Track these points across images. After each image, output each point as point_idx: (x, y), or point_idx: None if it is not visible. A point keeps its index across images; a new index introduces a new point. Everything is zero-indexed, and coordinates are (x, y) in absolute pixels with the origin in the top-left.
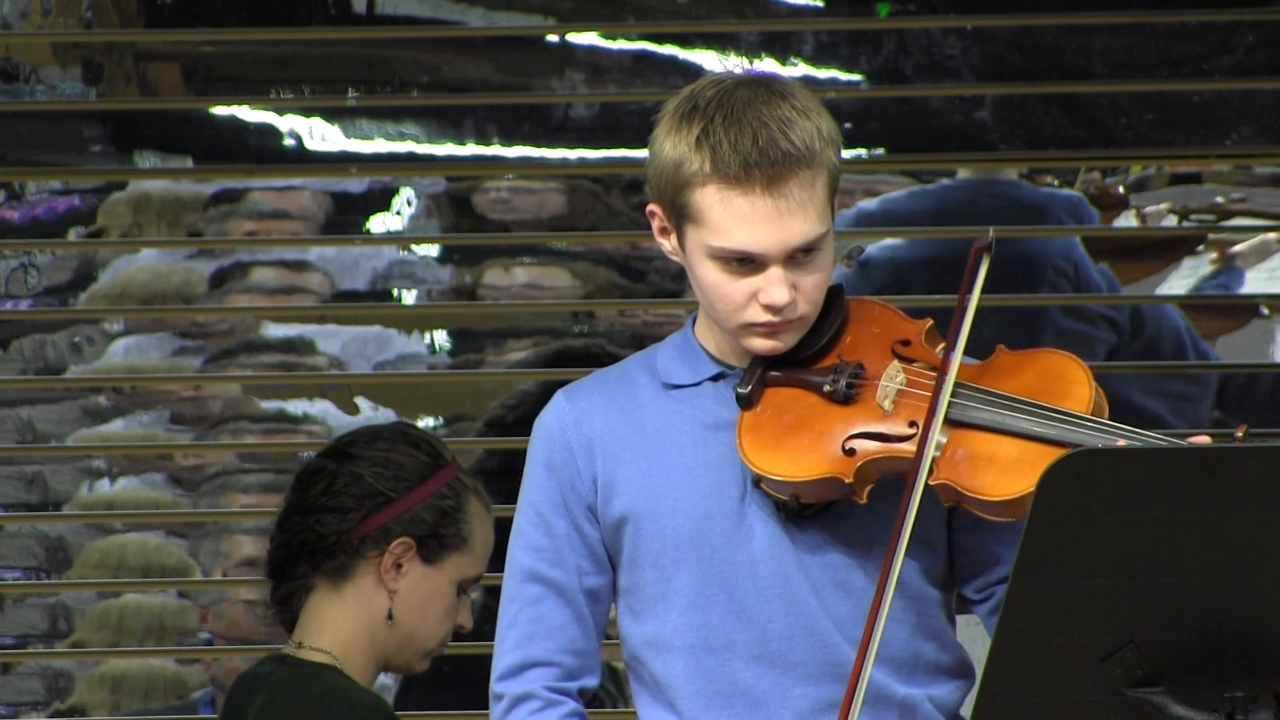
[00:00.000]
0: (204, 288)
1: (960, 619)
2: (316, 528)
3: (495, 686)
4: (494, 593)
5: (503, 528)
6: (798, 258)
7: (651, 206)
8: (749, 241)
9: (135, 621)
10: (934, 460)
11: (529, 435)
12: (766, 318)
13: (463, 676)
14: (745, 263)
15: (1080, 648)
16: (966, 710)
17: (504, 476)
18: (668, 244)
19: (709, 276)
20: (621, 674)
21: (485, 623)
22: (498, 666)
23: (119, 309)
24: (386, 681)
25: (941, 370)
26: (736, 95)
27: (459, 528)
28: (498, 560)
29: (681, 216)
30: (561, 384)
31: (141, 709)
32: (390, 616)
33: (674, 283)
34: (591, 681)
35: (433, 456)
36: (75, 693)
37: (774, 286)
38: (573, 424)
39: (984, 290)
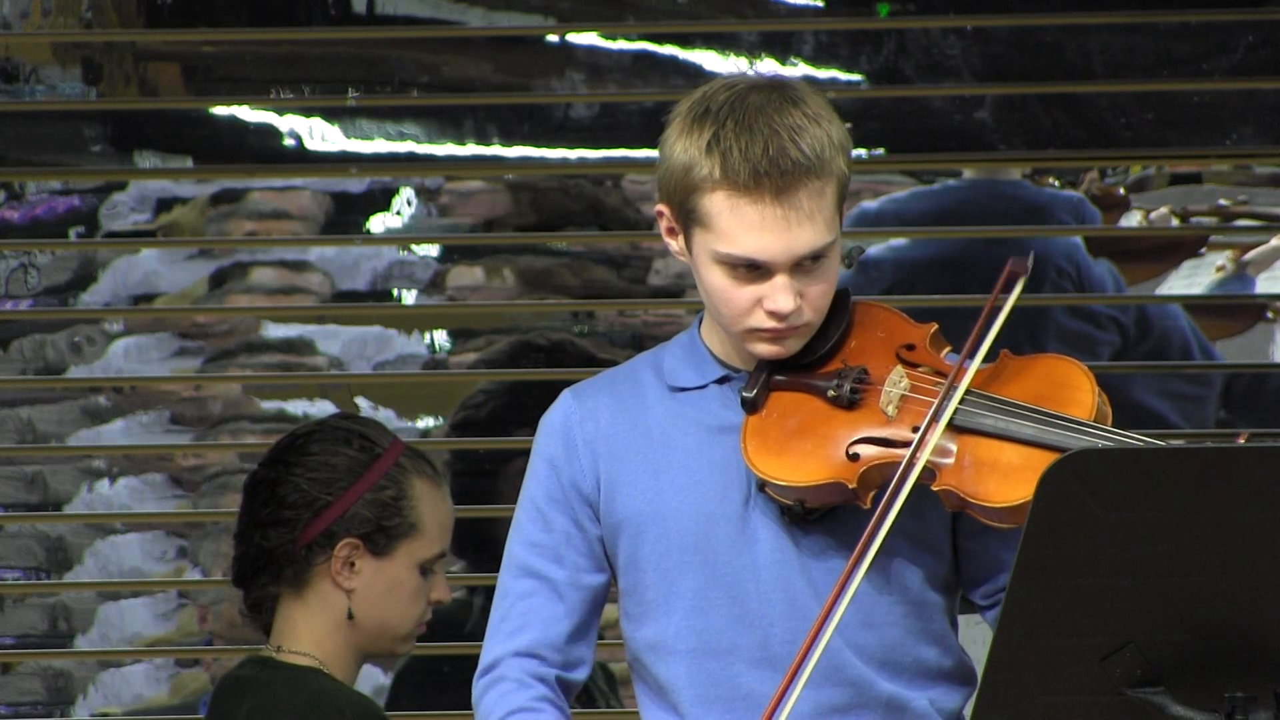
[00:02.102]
0: (204, 288)
1: (960, 620)
2: (264, 542)
3: (476, 677)
4: (491, 594)
5: (482, 527)
6: (805, 265)
7: (660, 206)
8: (756, 249)
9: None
10: (939, 467)
11: (502, 434)
12: (771, 324)
13: (461, 675)
14: (752, 269)
15: (1080, 648)
16: (969, 715)
17: (483, 477)
18: (675, 244)
19: (715, 281)
20: (617, 675)
21: (483, 621)
22: (482, 660)
23: (119, 309)
24: (384, 682)
25: (952, 377)
26: (749, 100)
27: (404, 515)
28: (495, 562)
29: (689, 220)
30: (558, 383)
31: (142, 709)
32: (350, 615)
33: (674, 283)
34: (577, 675)
35: (365, 450)
36: (75, 693)
37: (780, 294)
38: (578, 422)
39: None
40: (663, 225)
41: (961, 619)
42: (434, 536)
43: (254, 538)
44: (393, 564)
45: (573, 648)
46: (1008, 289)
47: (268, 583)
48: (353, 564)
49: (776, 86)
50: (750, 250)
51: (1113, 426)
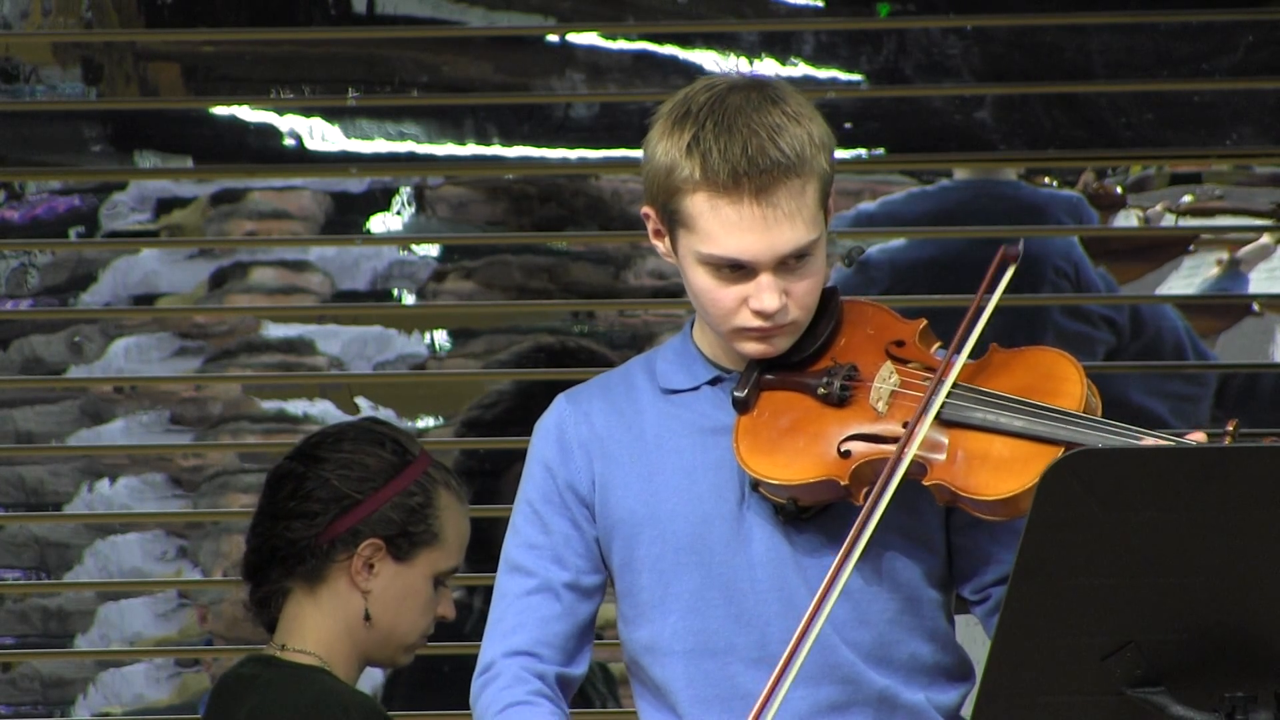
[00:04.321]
0: (204, 288)
1: (960, 619)
2: (285, 534)
3: (474, 677)
4: (490, 595)
5: (484, 528)
6: (789, 264)
7: (645, 208)
8: (738, 249)
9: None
10: (930, 461)
11: (509, 435)
12: (758, 323)
13: (460, 676)
14: (736, 269)
15: (1080, 648)
16: (967, 712)
17: (487, 477)
18: (662, 246)
19: (700, 282)
20: (616, 675)
21: (482, 623)
22: (480, 660)
23: (119, 310)
24: (383, 682)
25: (941, 371)
26: (728, 101)
27: (429, 524)
28: (495, 563)
29: (673, 221)
30: (559, 384)
31: (142, 709)
32: (367, 617)
33: (674, 283)
34: (573, 670)
35: (399, 454)
36: (75, 693)
37: (764, 293)
38: (572, 425)
39: (988, 292)
40: (650, 228)
41: (961, 618)
42: (453, 549)
43: (274, 529)
44: (411, 571)
45: (570, 647)
46: (999, 275)
47: (281, 577)
48: (372, 565)
49: (757, 86)
50: (731, 250)
51: (1101, 417)
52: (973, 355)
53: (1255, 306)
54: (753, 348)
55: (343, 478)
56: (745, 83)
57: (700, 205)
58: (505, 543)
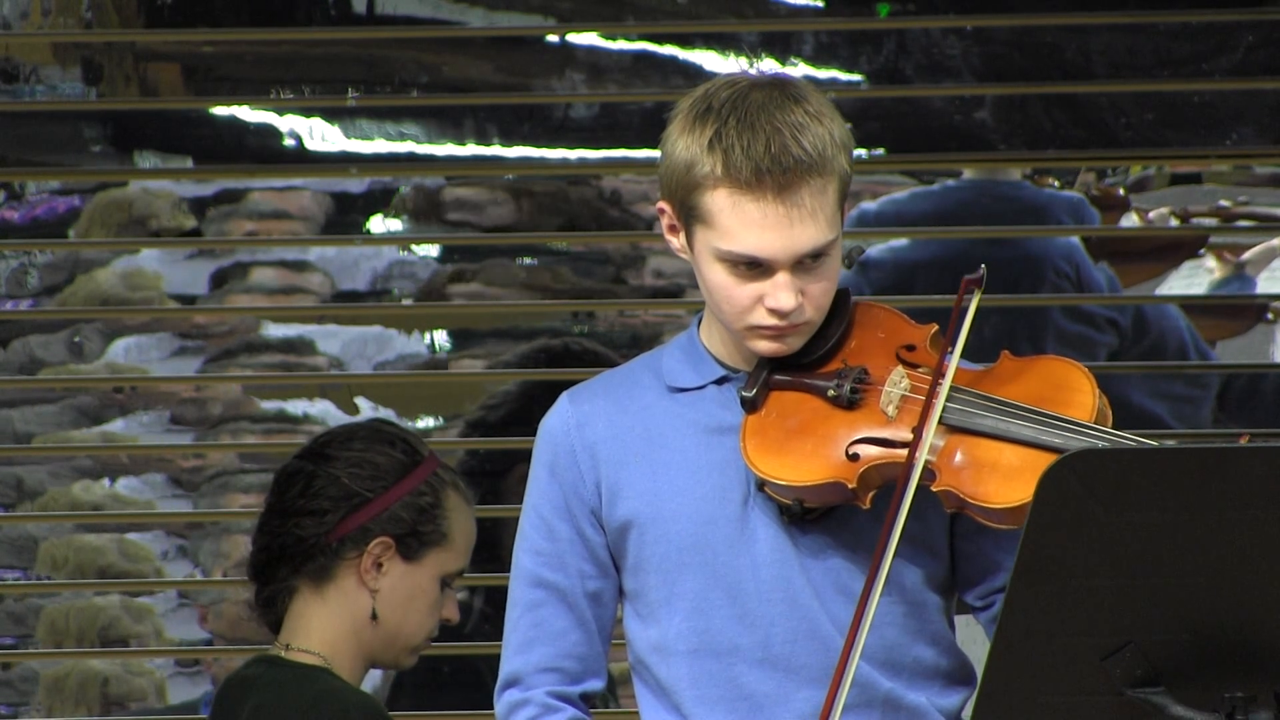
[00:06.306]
0: (204, 288)
1: (959, 620)
2: (295, 531)
3: (498, 692)
4: (490, 595)
5: (489, 528)
6: (806, 263)
7: (661, 204)
8: (758, 247)
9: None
10: (937, 467)
11: (513, 435)
12: (772, 321)
13: (460, 677)
14: (753, 267)
15: (1080, 648)
16: (968, 715)
17: (490, 477)
18: (676, 242)
19: (716, 278)
20: (615, 675)
21: (482, 623)
22: (501, 672)
23: (119, 309)
24: (381, 681)
25: (931, 389)
26: (751, 98)
27: (438, 524)
28: (498, 563)
29: (691, 217)
30: (561, 384)
31: (144, 709)
32: (375, 616)
33: (674, 283)
34: (596, 685)
35: (408, 454)
36: (74, 693)
37: (781, 291)
38: (576, 428)
39: (985, 290)
40: (664, 223)
41: (961, 619)
42: (460, 551)
43: (283, 527)
44: (419, 571)
45: (588, 655)
46: (965, 305)
47: (288, 575)
48: (381, 564)
49: (778, 84)
50: (752, 248)
51: (1113, 428)
52: (981, 360)
53: (1269, 315)
54: (765, 346)
55: (353, 476)
56: (767, 81)
57: (721, 201)
58: (515, 549)
